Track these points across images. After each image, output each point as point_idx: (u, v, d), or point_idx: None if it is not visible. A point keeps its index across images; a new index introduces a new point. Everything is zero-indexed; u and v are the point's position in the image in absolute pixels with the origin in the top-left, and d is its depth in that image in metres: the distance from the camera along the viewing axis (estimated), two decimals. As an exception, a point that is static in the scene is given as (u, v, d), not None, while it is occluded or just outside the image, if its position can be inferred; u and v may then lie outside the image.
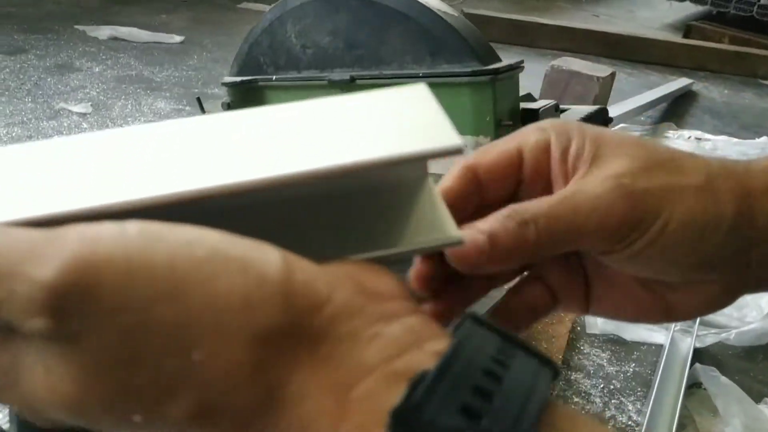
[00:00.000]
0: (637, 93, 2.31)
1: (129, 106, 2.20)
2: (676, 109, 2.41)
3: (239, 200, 0.28)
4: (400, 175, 0.32)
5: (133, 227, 0.23)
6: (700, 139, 2.15)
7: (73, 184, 0.27)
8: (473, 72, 0.90)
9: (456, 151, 0.30)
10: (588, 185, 0.34)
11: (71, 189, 0.26)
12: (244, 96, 1.11)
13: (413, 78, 0.95)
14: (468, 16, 3.05)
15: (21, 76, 2.39)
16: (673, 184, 0.34)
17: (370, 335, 0.25)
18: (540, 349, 0.26)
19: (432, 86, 0.94)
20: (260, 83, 1.10)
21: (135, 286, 0.22)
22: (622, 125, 2.18)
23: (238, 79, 1.11)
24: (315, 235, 0.30)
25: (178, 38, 2.85)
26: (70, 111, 2.15)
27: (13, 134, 1.96)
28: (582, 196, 0.33)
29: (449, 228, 0.31)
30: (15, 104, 2.17)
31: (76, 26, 2.91)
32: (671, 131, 2.21)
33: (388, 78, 0.97)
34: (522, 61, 0.93)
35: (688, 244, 0.34)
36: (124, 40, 2.80)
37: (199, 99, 1.23)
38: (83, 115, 2.13)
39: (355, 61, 1.01)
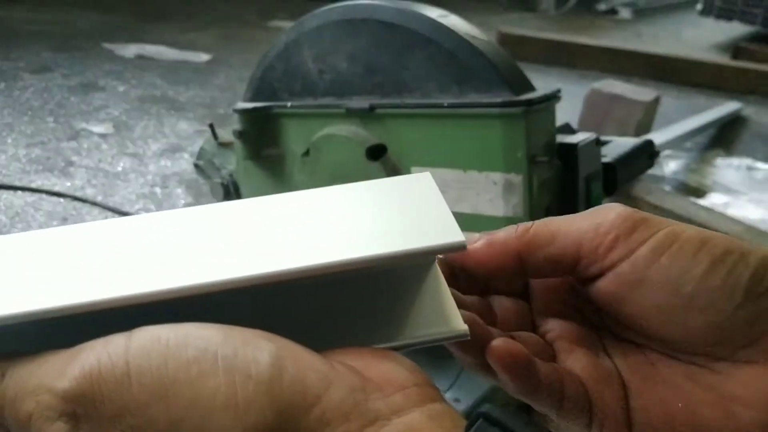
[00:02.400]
0: (683, 118, 2.19)
1: (151, 127, 2.14)
2: (724, 135, 2.28)
3: (247, 291, 0.28)
4: (400, 267, 0.32)
5: (136, 337, 0.25)
6: (751, 168, 2.02)
7: (83, 275, 0.28)
8: (504, 103, 0.81)
9: (459, 248, 0.30)
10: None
11: (83, 281, 0.28)
12: (257, 123, 1.03)
13: (437, 108, 0.85)
14: (504, 36, 2.97)
15: (45, 95, 2.35)
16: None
17: None
18: None
19: (459, 118, 0.84)
20: (274, 110, 1.02)
21: (132, 391, 0.24)
22: (667, 152, 2.06)
23: (251, 105, 1.03)
24: (320, 324, 0.30)
25: (205, 57, 2.80)
26: (90, 131, 2.09)
27: (33, 155, 1.91)
28: (583, 212, 0.34)
29: (454, 321, 0.31)
30: (37, 124, 2.13)
31: (104, 44, 2.88)
32: (720, 158, 2.09)
33: (411, 107, 0.88)
34: (559, 90, 0.83)
35: (707, 263, 0.31)
36: (151, 58, 2.75)
37: (212, 125, 1.15)
38: (104, 135, 2.08)
39: (374, 88, 0.91)
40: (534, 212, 0.84)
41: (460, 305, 0.33)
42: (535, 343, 0.35)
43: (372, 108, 0.90)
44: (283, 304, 0.30)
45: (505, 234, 0.34)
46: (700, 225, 1.44)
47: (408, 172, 0.91)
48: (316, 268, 0.28)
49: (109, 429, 0.24)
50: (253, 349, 0.25)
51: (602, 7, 4.21)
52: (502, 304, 0.37)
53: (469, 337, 0.31)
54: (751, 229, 1.52)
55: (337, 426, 0.24)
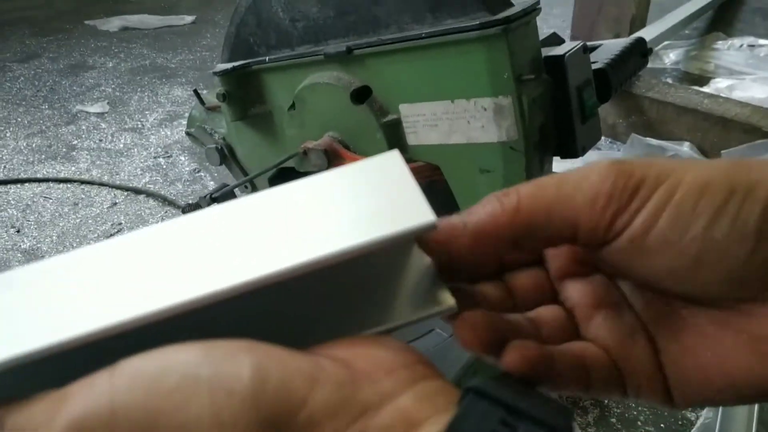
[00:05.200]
0: (679, 5, 2.13)
1: (146, 99, 2.13)
2: (723, 16, 2.22)
3: (229, 300, 0.28)
4: (378, 253, 0.31)
5: (118, 371, 0.25)
6: (753, 46, 1.97)
7: (58, 309, 0.28)
8: (482, 24, 0.78)
9: (430, 228, 0.29)
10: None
11: (64, 313, 0.28)
12: (239, 83, 1.01)
13: (415, 40, 0.83)
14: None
15: (36, 83, 2.34)
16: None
17: None
18: (553, 413, 0.24)
19: (438, 47, 0.81)
20: (254, 67, 1.00)
21: (118, 430, 0.24)
22: (666, 43, 2.01)
23: (230, 65, 1.01)
24: (308, 319, 0.30)
25: (189, 18, 2.76)
26: (87, 113, 2.09)
27: (34, 145, 1.91)
28: (573, 173, 0.30)
29: (440, 296, 0.31)
30: (32, 113, 2.13)
31: (86, 22, 2.84)
32: (720, 41, 2.03)
33: (388, 44, 0.86)
34: (537, 2, 0.80)
35: (709, 215, 0.28)
36: (135, 28, 2.72)
37: (196, 91, 1.14)
38: (101, 114, 2.07)
39: (349, 30, 0.89)
40: (528, 132, 0.82)
41: (474, 299, 0.32)
42: (555, 318, 0.34)
43: (349, 50, 0.88)
44: (269, 304, 0.30)
45: (490, 217, 0.31)
46: (705, 114, 1.41)
47: (396, 110, 0.90)
48: (291, 269, 0.28)
49: None
50: (234, 364, 0.25)
51: None
52: (518, 279, 0.35)
53: (456, 311, 0.31)
54: (758, 110, 1.49)
55: (325, 426, 0.25)
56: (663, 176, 0.29)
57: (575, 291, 0.34)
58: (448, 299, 0.31)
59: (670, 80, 1.83)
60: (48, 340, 0.27)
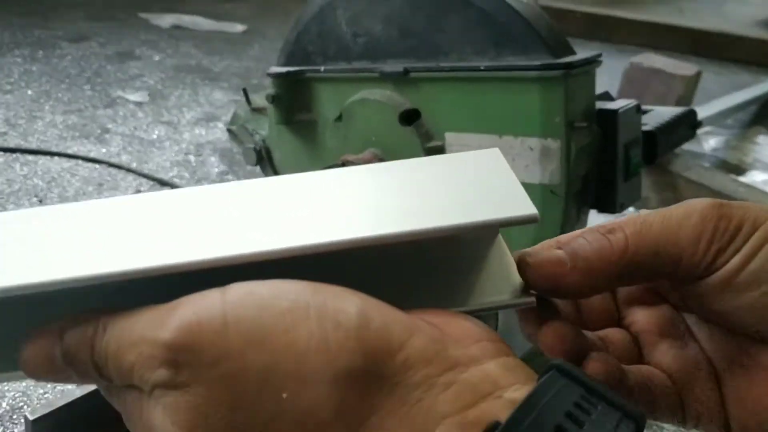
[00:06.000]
0: (724, 94, 2.13)
1: (186, 96, 2.14)
2: (767, 113, 2.22)
3: (324, 258, 0.29)
4: (472, 237, 0.34)
5: (232, 290, 0.27)
6: (794, 145, 1.97)
7: (171, 238, 0.30)
8: (543, 65, 0.78)
9: (531, 220, 0.30)
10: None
11: (171, 243, 0.30)
12: (290, 88, 1.02)
13: (473, 71, 0.83)
14: (543, 8, 2.92)
15: (82, 64, 2.37)
16: None
17: (445, 382, 0.26)
18: (626, 401, 0.25)
19: (495, 81, 0.82)
20: (308, 74, 1.01)
21: (228, 338, 0.26)
22: (707, 129, 2.01)
23: (284, 69, 1.02)
24: (393, 292, 0.30)
25: (240, 27, 2.79)
26: (126, 99, 2.10)
27: (69, 122, 1.93)
28: (674, 210, 0.32)
29: (518, 288, 0.32)
30: (74, 92, 2.15)
31: (140, 14, 2.88)
32: (762, 136, 2.03)
33: (446, 71, 0.86)
34: (600, 54, 0.81)
35: None
36: (186, 28, 2.76)
37: (245, 90, 1.15)
38: (139, 104, 2.09)
39: (409, 52, 0.90)
40: (571, 179, 0.82)
41: (550, 307, 0.34)
42: (621, 341, 0.36)
43: (406, 71, 0.89)
44: (356, 273, 0.31)
45: (599, 254, 0.32)
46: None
47: (441, 137, 0.90)
48: (396, 235, 0.29)
49: (207, 374, 0.26)
50: (342, 301, 0.27)
51: (643, -19, 4.11)
52: (588, 299, 0.37)
53: (534, 304, 0.32)
54: (793, 207, 1.48)
55: (419, 370, 0.26)
56: (759, 221, 0.31)
57: (642, 317, 0.36)
58: (526, 293, 0.32)
59: (707, 164, 1.83)
60: (156, 262, 0.28)
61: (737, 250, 0.31)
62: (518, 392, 0.26)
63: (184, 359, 0.26)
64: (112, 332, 0.28)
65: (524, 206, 0.31)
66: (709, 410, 0.33)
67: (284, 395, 0.25)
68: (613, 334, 0.36)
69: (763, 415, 0.32)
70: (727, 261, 0.31)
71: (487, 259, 0.34)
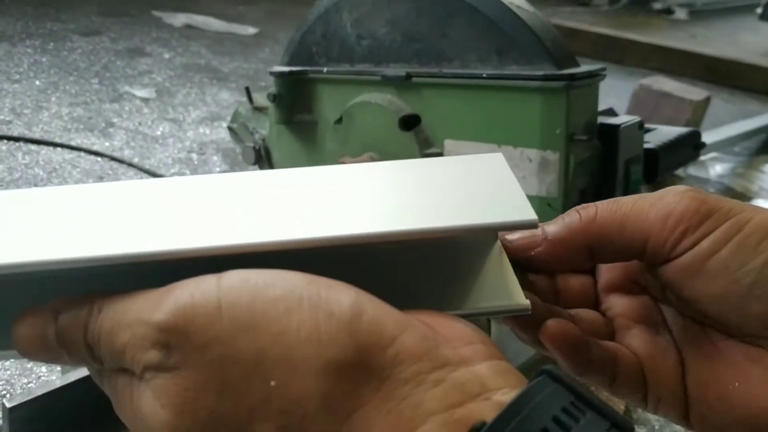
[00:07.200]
0: (733, 121, 2.12)
1: (192, 95, 2.14)
2: (775, 142, 2.21)
3: (322, 254, 0.30)
4: (471, 240, 0.34)
5: (227, 276, 0.27)
6: (800, 176, 1.95)
7: (171, 224, 0.30)
8: (546, 76, 0.78)
9: (530, 225, 0.31)
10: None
11: (171, 229, 0.30)
12: (292, 87, 1.01)
13: (476, 78, 0.82)
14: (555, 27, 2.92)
15: (92, 57, 2.37)
16: None
17: (435, 380, 0.26)
18: (616, 411, 0.25)
19: (497, 90, 0.81)
20: (310, 75, 1.00)
21: (221, 323, 0.26)
22: (714, 155, 2.00)
23: (287, 69, 1.01)
24: (388, 291, 0.30)
25: (251, 30, 2.80)
26: (133, 95, 2.10)
27: (75, 114, 1.93)
28: (650, 194, 0.33)
29: (517, 295, 0.32)
30: (81, 84, 2.15)
31: (153, 12, 2.89)
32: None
33: (448, 77, 0.85)
34: (604, 68, 0.80)
35: None
36: (198, 28, 2.76)
37: (247, 89, 1.14)
38: (146, 100, 2.09)
39: (412, 56, 0.89)
40: (569, 193, 0.81)
41: (524, 285, 0.34)
42: (593, 320, 0.37)
43: (408, 76, 0.88)
44: (352, 270, 0.30)
45: (568, 225, 0.34)
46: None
47: (440, 144, 0.89)
48: (395, 233, 0.30)
49: (198, 358, 0.26)
50: (336, 292, 0.27)
51: (657, 5, 4.12)
52: (567, 281, 0.38)
53: (530, 312, 0.32)
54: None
55: (409, 366, 0.26)
56: (734, 211, 0.32)
57: (620, 302, 0.37)
58: (522, 299, 0.32)
59: (712, 190, 1.82)
60: (154, 247, 0.29)
61: (706, 235, 0.31)
62: (507, 395, 0.25)
63: (176, 342, 0.26)
64: (106, 313, 0.28)
65: (524, 211, 0.31)
66: (670, 395, 0.34)
67: (272, 383, 0.25)
68: (586, 313, 0.37)
69: (720, 406, 0.32)
70: (695, 243, 0.31)
71: (485, 263, 0.34)
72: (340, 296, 0.27)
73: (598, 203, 0.34)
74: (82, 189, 0.33)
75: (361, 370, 0.26)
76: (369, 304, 0.27)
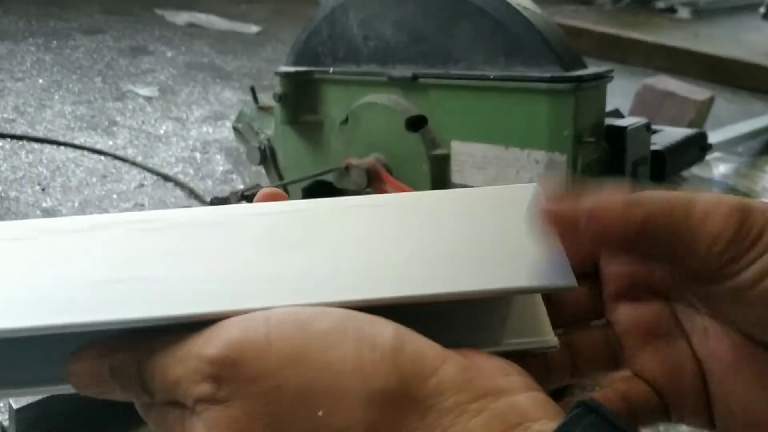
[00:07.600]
0: (737, 121, 2.12)
1: (195, 94, 2.14)
2: (778, 142, 2.20)
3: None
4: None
5: (275, 312, 0.28)
6: (804, 176, 1.95)
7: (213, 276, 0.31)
8: (553, 78, 0.77)
9: (569, 289, 0.31)
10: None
11: (217, 285, 0.30)
12: (298, 87, 1.01)
13: (483, 80, 0.82)
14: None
15: (95, 56, 2.37)
16: None
17: (476, 409, 0.26)
18: None
19: (504, 91, 0.80)
20: (316, 75, 1.00)
21: (270, 356, 0.27)
22: (717, 155, 2.00)
23: (293, 69, 1.01)
24: (418, 328, 0.30)
25: (254, 29, 2.80)
26: (136, 93, 2.10)
27: (78, 113, 1.93)
28: (703, 197, 0.29)
29: (546, 332, 0.33)
30: (84, 83, 2.15)
31: (156, 10, 2.89)
32: (772, 165, 2.02)
33: (455, 78, 0.85)
34: (611, 70, 0.80)
35: None
36: (201, 26, 2.76)
37: (253, 88, 1.14)
38: (149, 98, 2.09)
39: (419, 57, 0.89)
40: (575, 195, 0.80)
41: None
42: (596, 343, 0.35)
43: (415, 77, 0.88)
44: (385, 313, 0.31)
45: (609, 203, 0.29)
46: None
47: (447, 146, 0.89)
48: (454, 294, 0.30)
49: (248, 390, 0.27)
50: (378, 326, 0.28)
51: (660, 5, 4.11)
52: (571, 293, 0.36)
53: (557, 349, 0.33)
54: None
55: (450, 396, 0.27)
56: None
57: (628, 314, 0.35)
58: (552, 337, 0.33)
59: (716, 190, 1.82)
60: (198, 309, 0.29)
61: (753, 261, 0.28)
62: (546, 426, 0.26)
63: (226, 375, 0.27)
64: (159, 349, 0.29)
65: (563, 275, 0.31)
66: (693, 409, 0.33)
67: (319, 413, 0.26)
68: (589, 338, 0.35)
69: (747, 418, 0.32)
70: (741, 271, 0.29)
71: (516, 301, 0.34)
72: (382, 329, 0.28)
73: (649, 192, 0.30)
74: (110, 222, 0.32)
75: (404, 399, 0.27)
76: (409, 336, 0.28)
